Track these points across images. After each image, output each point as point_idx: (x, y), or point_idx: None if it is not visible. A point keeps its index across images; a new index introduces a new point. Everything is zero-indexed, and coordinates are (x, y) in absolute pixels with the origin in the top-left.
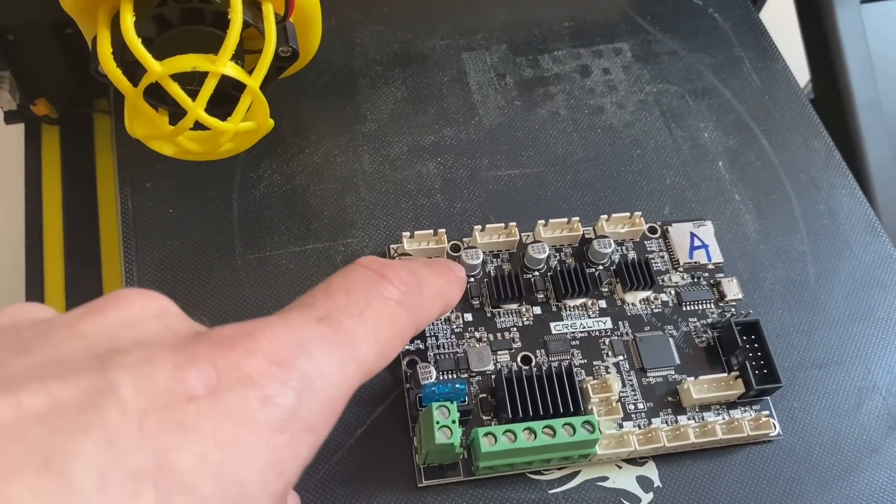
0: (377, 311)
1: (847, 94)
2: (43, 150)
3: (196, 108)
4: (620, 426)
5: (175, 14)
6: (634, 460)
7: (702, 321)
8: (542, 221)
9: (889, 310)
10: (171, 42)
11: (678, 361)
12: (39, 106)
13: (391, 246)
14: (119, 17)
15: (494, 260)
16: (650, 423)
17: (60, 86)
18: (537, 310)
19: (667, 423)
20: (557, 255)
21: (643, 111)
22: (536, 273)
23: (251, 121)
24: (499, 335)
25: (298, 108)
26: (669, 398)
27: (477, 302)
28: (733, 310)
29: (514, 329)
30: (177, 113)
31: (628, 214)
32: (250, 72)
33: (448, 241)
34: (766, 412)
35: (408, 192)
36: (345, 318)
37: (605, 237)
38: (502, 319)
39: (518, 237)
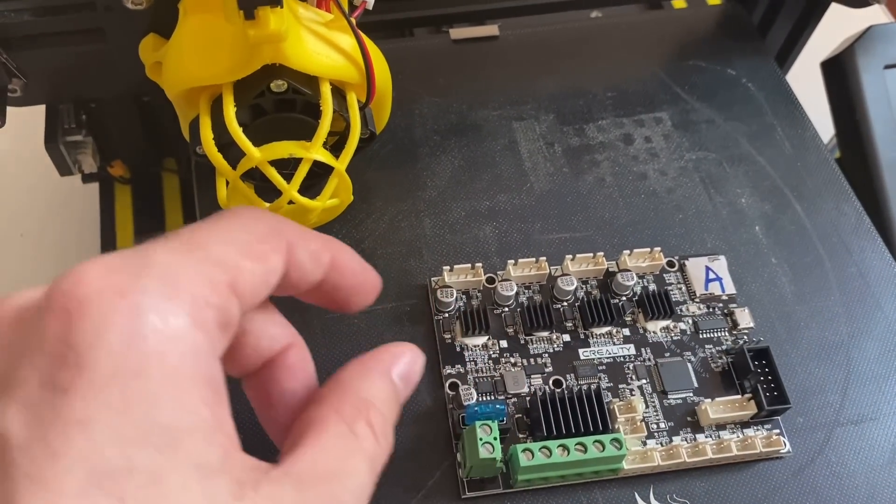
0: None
1: (872, 154)
2: (116, 208)
3: (291, 190)
4: (644, 443)
5: (270, 103)
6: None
7: (717, 348)
8: (570, 256)
9: None
10: (264, 127)
11: (696, 385)
12: (116, 167)
13: (432, 278)
14: (216, 102)
15: (526, 291)
16: (671, 440)
17: (134, 148)
18: (566, 337)
19: (686, 440)
20: (584, 286)
21: (684, 177)
22: (565, 303)
23: (336, 198)
24: (532, 360)
25: (365, 177)
26: (688, 418)
27: (511, 330)
28: (746, 337)
29: (546, 355)
30: (263, 186)
31: (648, 250)
32: (331, 149)
33: (484, 274)
34: (777, 430)
35: (466, 255)
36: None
37: (628, 271)
38: (535, 346)
39: (548, 270)
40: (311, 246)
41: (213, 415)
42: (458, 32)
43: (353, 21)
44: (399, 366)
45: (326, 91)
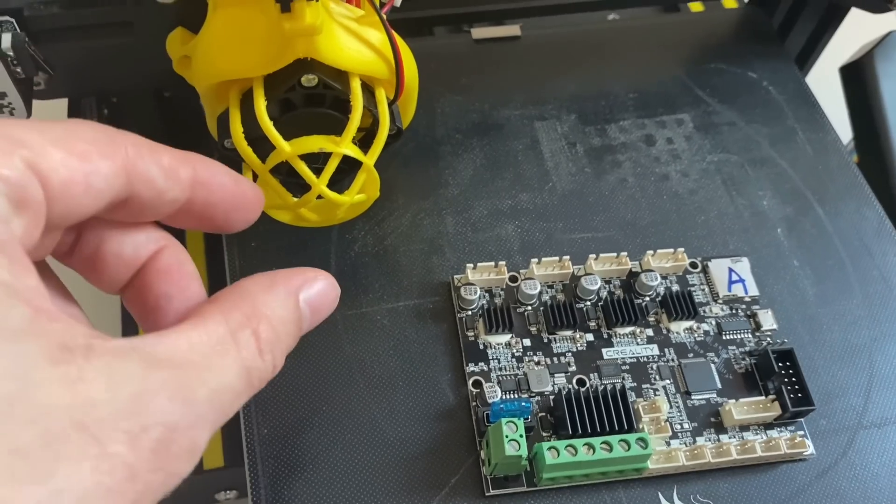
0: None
1: (890, 158)
2: None
3: (320, 185)
4: (668, 444)
5: (300, 98)
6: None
7: (740, 349)
8: (593, 255)
9: None
10: (293, 121)
11: (720, 385)
12: None
13: (455, 276)
14: (246, 96)
15: (549, 290)
16: (695, 441)
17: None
18: (590, 337)
19: (710, 441)
20: (607, 286)
21: (706, 179)
22: (588, 303)
23: (363, 193)
24: (555, 359)
25: (387, 174)
26: (712, 419)
27: (535, 329)
28: (769, 339)
29: (570, 354)
30: (288, 181)
31: (672, 250)
32: (358, 143)
33: (507, 273)
34: (801, 432)
35: (489, 253)
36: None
37: (652, 271)
38: (558, 345)
39: (571, 269)
40: (161, 160)
41: (12, 275)
42: (479, 32)
43: (384, 16)
44: (309, 291)
45: (357, 86)
